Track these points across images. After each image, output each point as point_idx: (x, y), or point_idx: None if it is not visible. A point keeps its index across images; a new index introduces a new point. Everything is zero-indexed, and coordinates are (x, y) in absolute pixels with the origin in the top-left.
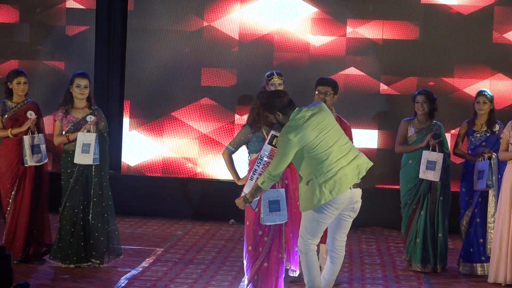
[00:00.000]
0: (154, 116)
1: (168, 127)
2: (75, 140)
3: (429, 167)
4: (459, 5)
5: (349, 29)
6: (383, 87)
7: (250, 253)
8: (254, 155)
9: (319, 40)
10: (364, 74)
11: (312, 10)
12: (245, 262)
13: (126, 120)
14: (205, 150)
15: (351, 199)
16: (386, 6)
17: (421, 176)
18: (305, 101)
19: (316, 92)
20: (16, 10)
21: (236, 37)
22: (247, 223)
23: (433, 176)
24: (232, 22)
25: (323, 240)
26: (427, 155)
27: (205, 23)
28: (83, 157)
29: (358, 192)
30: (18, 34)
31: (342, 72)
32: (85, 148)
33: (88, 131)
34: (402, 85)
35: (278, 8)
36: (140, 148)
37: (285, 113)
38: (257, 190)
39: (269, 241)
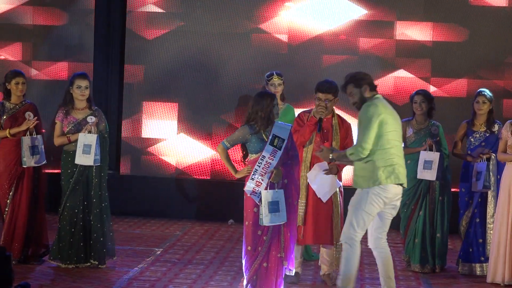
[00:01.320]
0: (203, 120)
1: (216, 131)
2: (75, 140)
3: (426, 167)
4: (508, 6)
5: (398, 31)
6: (432, 89)
7: (249, 253)
8: (254, 156)
9: (368, 42)
10: (413, 76)
11: (361, 12)
12: (244, 262)
13: (172, 123)
14: None
15: (396, 195)
16: (435, 7)
17: (419, 176)
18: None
19: (316, 99)
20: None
21: (285, 39)
22: (246, 223)
23: (430, 175)
24: (281, 24)
25: (324, 240)
26: (424, 155)
27: (253, 26)
28: (84, 158)
29: (400, 190)
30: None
31: (391, 74)
32: (86, 149)
33: (89, 132)
34: (452, 87)
35: (327, 10)
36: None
37: (372, 89)
38: (343, 157)
39: (268, 240)
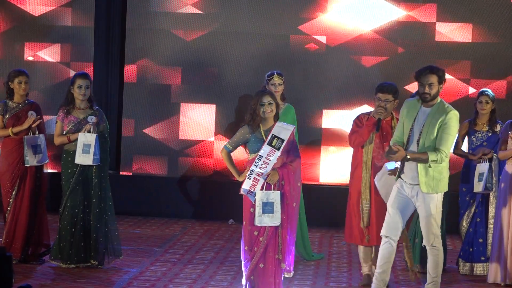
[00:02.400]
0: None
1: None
2: (75, 140)
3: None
4: None
5: (437, 32)
6: (472, 90)
7: (246, 252)
8: (252, 155)
9: (407, 43)
10: (452, 77)
11: (401, 14)
12: (242, 261)
13: (210, 125)
14: None
15: None
16: (475, 8)
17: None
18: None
19: (376, 99)
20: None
21: (324, 40)
22: (244, 222)
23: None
24: (320, 25)
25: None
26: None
27: (292, 27)
28: (84, 158)
29: None
30: None
31: None
32: (86, 149)
33: (89, 131)
34: (492, 88)
35: (366, 12)
36: None
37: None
38: (423, 160)
39: (264, 241)
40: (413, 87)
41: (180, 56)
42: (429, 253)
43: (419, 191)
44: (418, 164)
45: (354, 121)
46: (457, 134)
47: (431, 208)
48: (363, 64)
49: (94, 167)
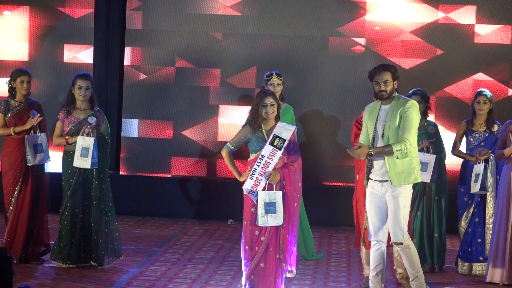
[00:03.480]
0: None
1: None
2: (74, 142)
3: (422, 169)
4: None
5: (477, 34)
6: (511, 92)
7: (247, 252)
8: (254, 155)
9: (447, 45)
10: (492, 79)
11: (440, 15)
12: (243, 261)
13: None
14: None
15: None
16: None
17: None
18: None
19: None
20: None
21: (363, 42)
22: (245, 222)
23: (425, 177)
24: (359, 27)
25: None
26: (420, 157)
27: (331, 29)
28: (82, 161)
29: None
30: None
31: (470, 78)
32: (84, 152)
33: (88, 134)
34: None
35: (405, 13)
36: None
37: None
38: (382, 153)
39: (266, 241)
40: (452, 89)
41: (218, 58)
42: (401, 253)
43: (389, 186)
44: (386, 158)
45: (354, 124)
46: (418, 124)
47: (400, 202)
48: (402, 66)
49: (94, 168)
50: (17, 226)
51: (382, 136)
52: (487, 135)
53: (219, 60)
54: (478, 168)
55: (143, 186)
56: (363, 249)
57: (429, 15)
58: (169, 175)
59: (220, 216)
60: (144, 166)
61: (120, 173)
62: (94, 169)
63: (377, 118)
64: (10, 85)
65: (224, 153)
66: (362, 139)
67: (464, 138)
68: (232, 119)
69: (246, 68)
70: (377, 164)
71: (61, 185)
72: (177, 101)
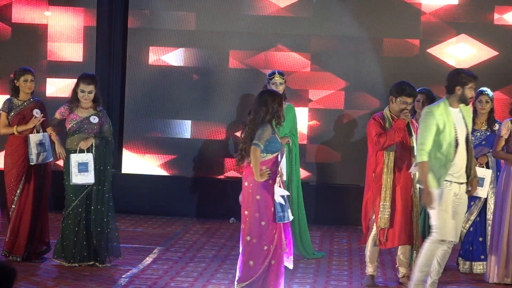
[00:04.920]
0: None
1: None
2: (73, 139)
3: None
4: None
5: None
6: None
7: (265, 252)
8: (270, 156)
9: (503, 46)
10: None
11: (496, 17)
12: (252, 262)
13: None
14: None
15: None
16: None
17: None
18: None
19: (401, 102)
20: None
21: (417, 44)
22: (263, 223)
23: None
24: (414, 28)
25: (406, 240)
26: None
27: (385, 30)
28: (82, 177)
29: None
30: None
31: None
32: (82, 167)
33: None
34: None
35: (463, 15)
36: None
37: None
38: (423, 168)
39: (277, 238)
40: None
41: (269, 59)
42: (445, 252)
43: (465, 188)
44: (471, 162)
45: (373, 123)
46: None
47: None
48: (455, 66)
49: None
50: (19, 225)
51: (466, 139)
52: (488, 133)
53: (272, 62)
54: (481, 172)
55: (145, 184)
56: (368, 248)
57: (484, 17)
58: (169, 174)
59: (222, 215)
60: (196, 167)
61: (122, 171)
62: (96, 169)
63: (453, 120)
64: (13, 84)
65: (257, 152)
66: (427, 143)
67: None
68: None
69: (299, 69)
70: (458, 166)
71: (63, 184)
72: (227, 101)
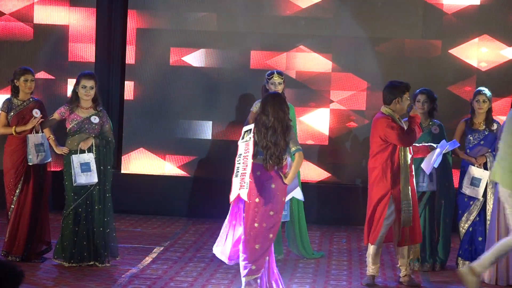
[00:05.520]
0: None
1: None
2: (74, 140)
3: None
4: None
5: None
6: None
7: (258, 252)
8: (288, 159)
9: None
10: None
11: None
12: (267, 258)
13: None
14: None
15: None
16: None
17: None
18: None
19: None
20: None
21: (439, 44)
22: (277, 219)
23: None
24: (436, 29)
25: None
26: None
27: (407, 31)
28: (86, 177)
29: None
30: None
31: None
32: (85, 167)
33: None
34: None
35: (485, 16)
36: None
37: None
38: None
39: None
40: None
41: (290, 60)
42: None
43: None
44: None
45: (389, 121)
46: None
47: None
48: (478, 67)
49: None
50: (18, 225)
51: None
52: (486, 133)
53: (293, 63)
54: (479, 173)
55: (144, 184)
56: (374, 248)
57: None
58: (169, 174)
59: (222, 214)
60: (196, 167)
61: (122, 171)
62: (97, 169)
63: None
64: (13, 84)
65: (303, 156)
66: None
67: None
68: (307, 122)
69: (321, 70)
70: None
71: (63, 184)
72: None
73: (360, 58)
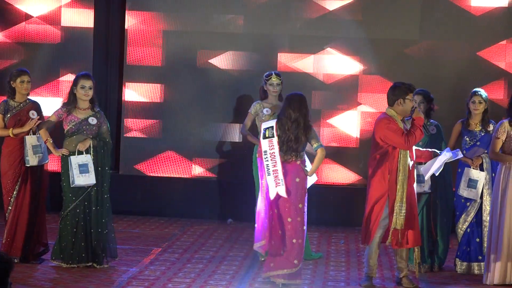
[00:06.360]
0: None
1: None
2: (72, 141)
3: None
4: None
5: None
6: None
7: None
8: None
9: None
10: None
11: None
12: (295, 240)
13: None
14: None
15: None
16: None
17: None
18: None
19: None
20: None
21: (466, 47)
22: (305, 210)
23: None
24: (461, 30)
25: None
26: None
27: (423, 33)
28: (84, 178)
29: None
30: None
31: None
32: (83, 169)
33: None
34: None
35: (510, 18)
36: None
37: None
38: None
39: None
40: None
41: (318, 62)
42: None
43: None
44: None
45: (390, 123)
46: None
47: None
48: (505, 69)
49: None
50: (16, 226)
51: None
52: (482, 134)
53: (321, 65)
54: (476, 174)
55: (142, 185)
56: (373, 249)
57: None
58: (168, 175)
59: (219, 215)
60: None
61: (120, 172)
62: (95, 170)
63: None
64: (9, 85)
65: (324, 152)
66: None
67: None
68: (336, 124)
69: (349, 72)
70: None
71: (61, 185)
72: None
73: (389, 60)
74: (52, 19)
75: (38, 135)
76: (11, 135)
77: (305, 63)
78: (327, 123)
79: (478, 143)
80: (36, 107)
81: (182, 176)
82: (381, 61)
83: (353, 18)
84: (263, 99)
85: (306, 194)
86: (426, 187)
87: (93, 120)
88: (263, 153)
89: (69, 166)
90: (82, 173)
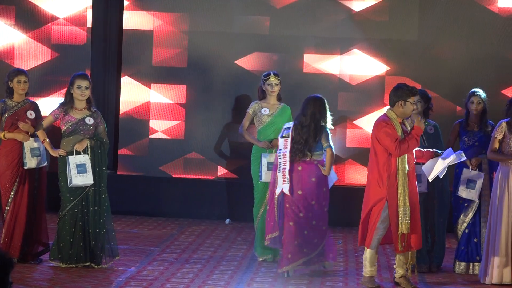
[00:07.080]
0: None
1: None
2: (69, 141)
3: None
4: None
5: None
6: None
7: (324, 231)
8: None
9: None
10: None
11: None
12: (316, 240)
13: None
14: None
15: None
16: None
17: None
18: None
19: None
20: None
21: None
22: (325, 209)
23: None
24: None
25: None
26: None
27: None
28: (81, 178)
29: None
30: None
31: None
32: (81, 169)
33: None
34: None
35: None
36: None
37: None
38: None
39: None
40: None
41: (344, 63)
42: None
43: None
44: None
45: (387, 128)
46: None
47: None
48: None
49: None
50: (14, 226)
51: None
52: (481, 134)
53: (347, 67)
54: (474, 175)
55: (140, 185)
56: (372, 251)
57: None
58: (165, 176)
59: (218, 216)
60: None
61: (118, 173)
62: (92, 170)
63: None
64: (7, 85)
65: (333, 151)
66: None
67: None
68: (361, 125)
69: (375, 73)
70: None
71: (59, 185)
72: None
73: (415, 61)
74: (79, 20)
75: (36, 137)
76: (4, 139)
77: (331, 64)
78: (353, 124)
79: (476, 143)
80: (34, 107)
81: (181, 177)
82: (407, 62)
83: (379, 19)
84: (261, 99)
85: (327, 193)
86: (422, 187)
87: (90, 120)
88: (278, 151)
89: (67, 166)
90: (80, 173)
